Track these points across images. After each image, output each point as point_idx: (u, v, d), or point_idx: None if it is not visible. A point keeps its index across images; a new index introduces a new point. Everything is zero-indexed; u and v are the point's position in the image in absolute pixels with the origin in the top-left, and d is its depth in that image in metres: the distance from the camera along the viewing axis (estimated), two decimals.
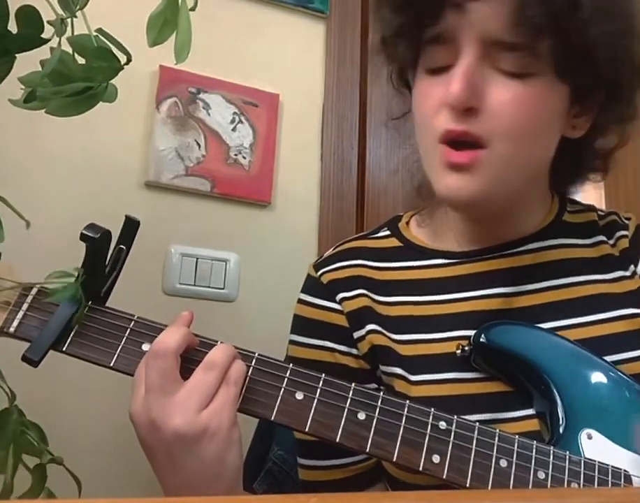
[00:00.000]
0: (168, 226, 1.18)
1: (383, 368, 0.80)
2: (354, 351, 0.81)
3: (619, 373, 0.72)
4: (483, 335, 0.73)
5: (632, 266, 0.79)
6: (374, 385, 0.81)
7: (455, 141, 0.70)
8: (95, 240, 0.65)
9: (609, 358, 0.73)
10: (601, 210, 0.87)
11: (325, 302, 0.83)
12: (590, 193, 0.91)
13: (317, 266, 0.86)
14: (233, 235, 1.23)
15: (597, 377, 0.72)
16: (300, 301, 0.86)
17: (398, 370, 0.77)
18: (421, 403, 0.73)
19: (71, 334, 0.66)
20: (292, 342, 0.85)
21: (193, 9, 0.60)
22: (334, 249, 0.89)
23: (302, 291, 0.86)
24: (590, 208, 0.87)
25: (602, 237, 0.82)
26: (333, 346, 0.82)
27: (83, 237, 0.64)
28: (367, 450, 0.63)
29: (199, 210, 1.21)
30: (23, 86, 0.58)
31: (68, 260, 1.08)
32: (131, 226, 0.71)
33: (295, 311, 0.86)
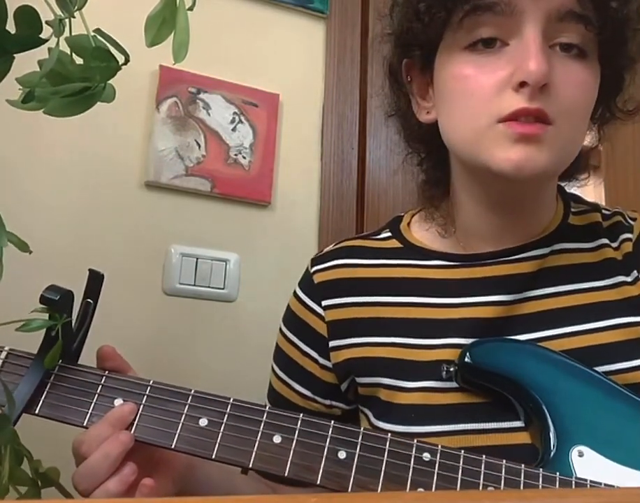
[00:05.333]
0: (168, 225, 1.18)
1: (362, 380, 0.79)
2: (322, 360, 0.81)
3: (612, 384, 0.70)
4: (467, 355, 0.71)
5: (635, 271, 0.77)
6: (328, 402, 0.82)
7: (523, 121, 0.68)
8: (56, 302, 0.64)
9: (603, 368, 0.71)
10: (606, 209, 0.84)
11: (311, 302, 0.84)
12: (590, 192, 0.89)
13: (314, 261, 0.87)
14: (233, 235, 1.22)
15: (588, 390, 0.70)
16: (294, 293, 0.87)
17: (381, 379, 0.76)
18: (406, 410, 0.73)
19: (43, 397, 0.66)
20: (280, 329, 0.87)
21: (191, 9, 0.59)
22: (334, 246, 0.89)
23: (298, 284, 0.88)
24: (595, 208, 0.84)
25: (605, 240, 0.80)
26: (306, 348, 0.83)
27: (43, 300, 0.64)
28: (350, 489, 0.61)
29: (199, 210, 1.21)
30: (21, 87, 0.58)
31: (67, 261, 1.09)
32: (95, 279, 0.70)
33: (289, 301, 0.88)
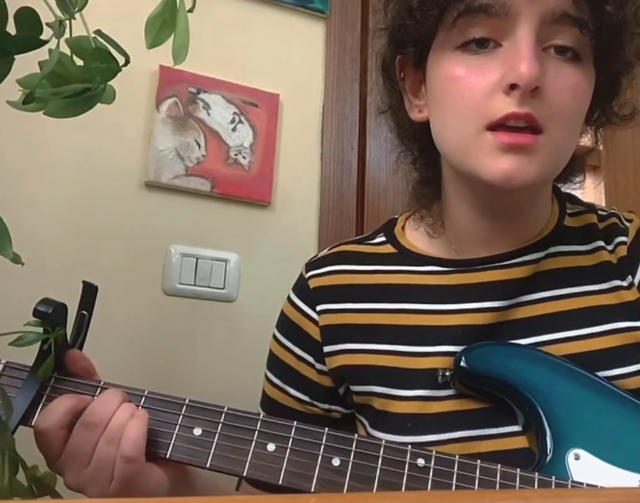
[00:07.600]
0: (168, 225, 1.18)
1: (356, 388, 0.78)
2: (318, 365, 0.81)
3: (608, 386, 0.69)
4: (463, 359, 0.70)
5: (630, 276, 0.75)
6: (327, 406, 0.81)
7: (512, 126, 0.66)
8: (49, 315, 0.64)
9: (603, 373, 0.70)
10: (603, 210, 0.83)
11: (306, 307, 0.82)
12: (590, 193, 0.89)
13: (309, 266, 0.86)
14: (233, 235, 1.23)
15: (584, 393, 0.69)
16: (288, 298, 0.86)
17: (374, 388, 0.76)
18: (401, 420, 0.72)
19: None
20: (273, 336, 0.86)
21: (191, 10, 0.60)
22: (329, 250, 0.88)
23: (292, 288, 0.86)
24: (591, 208, 0.83)
25: (601, 243, 0.78)
26: (301, 353, 0.82)
27: (36, 313, 0.64)
28: None
29: (199, 210, 1.21)
30: (21, 88, 0.58)
31: (67, 261, 1.09)
32: (89, 291, 0.70)
33: (282, 307, 0.87)
